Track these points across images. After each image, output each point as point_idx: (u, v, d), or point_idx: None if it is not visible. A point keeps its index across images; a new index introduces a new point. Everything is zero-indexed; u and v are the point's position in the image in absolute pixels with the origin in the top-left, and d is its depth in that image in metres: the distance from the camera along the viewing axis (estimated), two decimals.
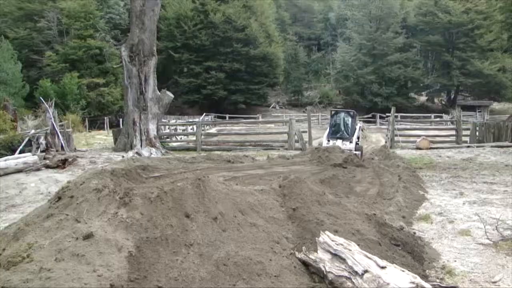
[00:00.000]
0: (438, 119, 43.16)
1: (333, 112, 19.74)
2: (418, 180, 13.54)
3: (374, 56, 58.02)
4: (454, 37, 57.94)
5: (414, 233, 8.33)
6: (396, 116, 27.00)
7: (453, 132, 25.06)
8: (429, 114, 49.52)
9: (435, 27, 57.99)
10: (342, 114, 18.87)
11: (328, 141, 18.30)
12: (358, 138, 18.69)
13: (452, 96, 62.29)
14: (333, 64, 68.23)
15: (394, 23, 57.82)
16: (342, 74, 62.65)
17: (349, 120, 18.55)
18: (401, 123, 31.05)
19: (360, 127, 19.50)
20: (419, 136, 24.51)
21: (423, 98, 66.33)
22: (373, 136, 27.04)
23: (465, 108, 51.95)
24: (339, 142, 17.80)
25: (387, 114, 32.78)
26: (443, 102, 63.15)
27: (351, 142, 17.79)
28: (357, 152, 17.35)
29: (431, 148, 22.30)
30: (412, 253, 7.33)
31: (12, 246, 6.76)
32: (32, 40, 46.32)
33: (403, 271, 5.59)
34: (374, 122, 46.32)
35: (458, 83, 58.46)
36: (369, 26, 58.60)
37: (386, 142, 23.51)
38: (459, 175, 14.68)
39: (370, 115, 49.69)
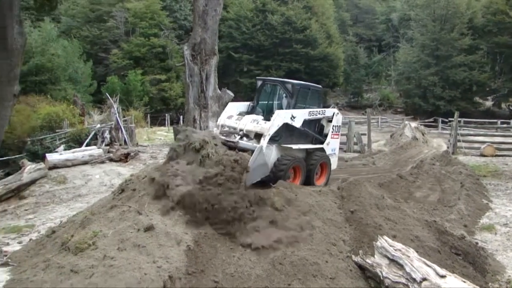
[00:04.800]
0: (505, 125, 41.20)
1: (260, 83, 11.41)
2: (482, 189, 13.08)
3: (438, 57, 56.06)
4: None
5: (477, 243, 8.08)
6: (459, 121, 26.10)
7: None
8: (495, 120, 47.30)
9: (505, 27, 55.15)
10: (276, 89, 11.08)
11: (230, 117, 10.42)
12: (320, 136, 11.11)
13: None
14: (394, 65, 66.72)
15: (459, 23, 55.58)
16: (404, 76, 61.05)
17: (285, 101, 10.81)
18: (465, 128, 29.88)
19: (334, 113, 11.47)
20: (483, 142, 23.55)
21: (489, 103, 63.49)
22: (434, 141, 26.32)
23: None
24: (245, 121, 10.05)
25: (450, 119, 31.73)
26: (511, 108, 60.26)
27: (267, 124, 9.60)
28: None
29: (496, 155, 21.40)
30: (473, 263, 7.12)
31: (79, 233, 7.17)
32: (101, 39, 48.35)
33: (464, 281, 5.45)
34: (436, 126, 44.84)
35: None
36: (432, 26, 56.69)
37: (448, 147, 22.78)
38: None
39: (431, 119, 48.24)
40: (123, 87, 41.19)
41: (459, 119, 26.78)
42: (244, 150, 8.62)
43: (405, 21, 67.88)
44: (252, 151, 8.63)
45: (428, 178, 14.30)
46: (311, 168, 10.15)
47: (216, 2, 21.69)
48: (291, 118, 9.77)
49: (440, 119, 45.27)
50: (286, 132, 9.78)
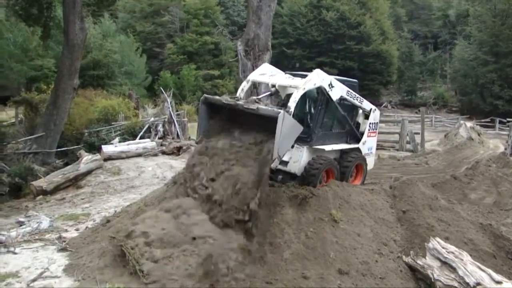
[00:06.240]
0: None
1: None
2: None
3: (497, 54, 53.55)
4: None
5: None
6: None
7: None
8: None
9: None
10: None
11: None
12: (358, 134, 10.02)
13: None
14: (450, 63, 64.59)
15: None
16: (460, 73, 58.94)
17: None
18: None
19: (371, 108, 10.46)
20: None
21: None
22: (490, 141, 25.43)
23: None
24: (278, 76, 9.22)
25: (508, 119, 30.51)
26: None
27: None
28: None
29: None
30: None
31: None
32: (156, 34, 49.44)
33: None
34: (493, 127, 43.17)
35: None
36: (492, 22, 54.25)
37: (505, 149, 21.90)
38: None
39: (488, 119, 46.41)
40: (177, 81, 41.99)
41: None
42: (264, 116, 7.45)
43: (462, 18, 65.57)
44: (273, 117, 7.09)
45: (483, 180, 13.83)
46: (345, 169, 9.13)
47: None
48: (329, 85, 8.55)
49: (497, 119, 43.56)
50: (321, 113, 8.83)
